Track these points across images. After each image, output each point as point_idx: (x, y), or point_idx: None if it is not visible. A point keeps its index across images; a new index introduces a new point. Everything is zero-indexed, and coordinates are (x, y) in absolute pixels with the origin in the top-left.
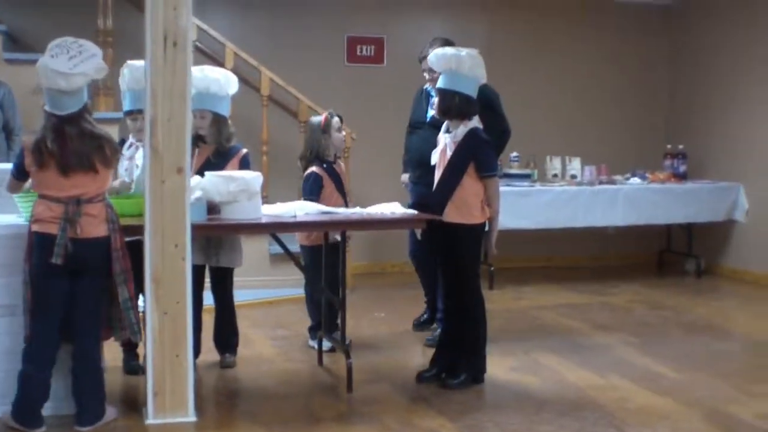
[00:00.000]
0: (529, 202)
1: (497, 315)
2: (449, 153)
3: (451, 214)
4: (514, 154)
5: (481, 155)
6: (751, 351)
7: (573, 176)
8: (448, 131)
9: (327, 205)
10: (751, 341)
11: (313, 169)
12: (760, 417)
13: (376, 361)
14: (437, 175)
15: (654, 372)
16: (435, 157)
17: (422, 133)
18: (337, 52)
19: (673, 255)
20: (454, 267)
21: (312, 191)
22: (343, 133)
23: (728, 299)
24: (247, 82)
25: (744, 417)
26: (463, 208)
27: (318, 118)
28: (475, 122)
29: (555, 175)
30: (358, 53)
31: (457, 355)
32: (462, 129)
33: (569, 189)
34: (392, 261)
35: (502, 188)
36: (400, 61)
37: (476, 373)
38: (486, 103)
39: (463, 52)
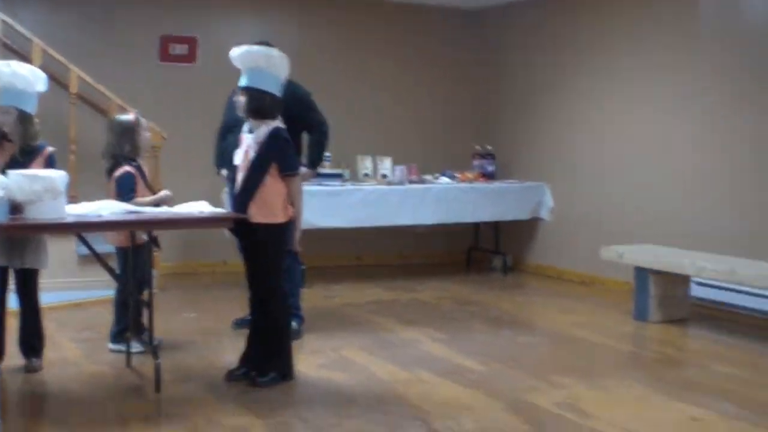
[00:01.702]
0: (340, 202)
1: (307, 313)
2: (252, 154)
3: (255, 214)
4: (326, 153)
5: (283, 155)
6: (552, 343)
7: (384, 176)
8: (250, 131)
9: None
10: (553, 334)
11: (127, 168)
12: (558, 404)
13: (185, 361)
14: (239, 176)
15: (460, 365)
16: (237, 158)
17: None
18: (149, 50)
19: (481, 252)
20: (258, 266)
21: (130, 190)
22: (149, 133)
23: (533, 294)
24: (55, 79)
25: (544, 405)
26: (265, 208)
27: (128, 117)
28: (278, 122)
29: (366, 175)
30: (171, 52)
31: (266, 353)
32: (264, 129)
33: (379, 188)
34: (203, 261)
35: (313, 188)
36: (212, 61)
37: (285, 370)
38: (301, 101)
39: (271, 50)
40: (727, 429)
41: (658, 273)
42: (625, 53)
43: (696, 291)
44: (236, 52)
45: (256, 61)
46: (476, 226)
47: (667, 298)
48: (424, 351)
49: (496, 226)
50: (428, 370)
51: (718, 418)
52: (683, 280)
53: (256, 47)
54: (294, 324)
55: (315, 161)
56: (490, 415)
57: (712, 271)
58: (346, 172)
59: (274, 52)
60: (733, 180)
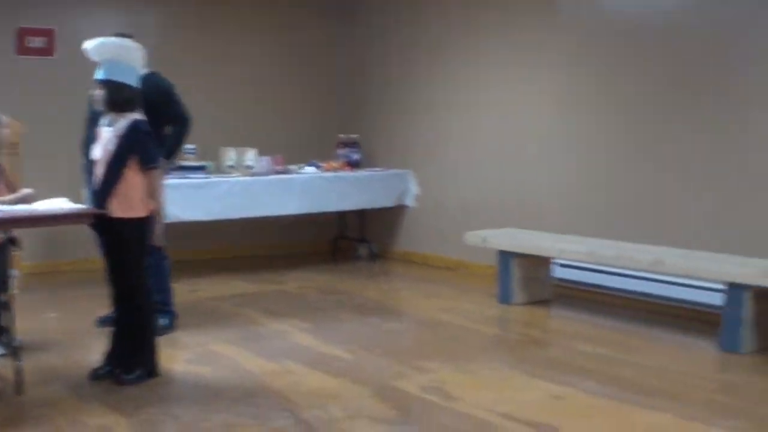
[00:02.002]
0: (204, 194)
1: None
2: (111, 147)
3: (115, 209)
4: (190, 146)
5: (144, 147)
6: (419, 329)
7: (249, 167)
8: (109, 125)
9: None
10: (418, 319)
11: None
12: (424, 389)
13: (48, 362)
14: (98, 170)
15: (327, 354)
16: (96, 152)
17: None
18: (5, 43)
19: (347, 241)
20: (121, 262)
21: None
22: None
23: (399, 281)
24: None
25: (410, 390)
26: (125, 203)
27: None
28: (138, 114)
29: (231, 166)
30: (28, 45)
31: (131, 351)
32: (124, 122)
33: (244, 180)
34: (65, 259)
35: (176, 180)
36: (71, 54)
37: (151, 367)
38: (163, 93)
39: (125, 41)
40: (589, 406)
41: (520, 256)
42: (491, 42)
43: (559, 272)
44: (90, 45)
45: (111, 52)
46: (342, 215)
47: (530, 281)
48: (291, 342)
49: (361, 215)
50: (295, 361)
51: (581, 396)
52: (545, 262)
53: (110, 39)
54: (165, 320)
55: (171, 153)
56: (358, 402)
57: (573, 253)
58: (211, 165)
59: (129, 43)
60: (591, 164)
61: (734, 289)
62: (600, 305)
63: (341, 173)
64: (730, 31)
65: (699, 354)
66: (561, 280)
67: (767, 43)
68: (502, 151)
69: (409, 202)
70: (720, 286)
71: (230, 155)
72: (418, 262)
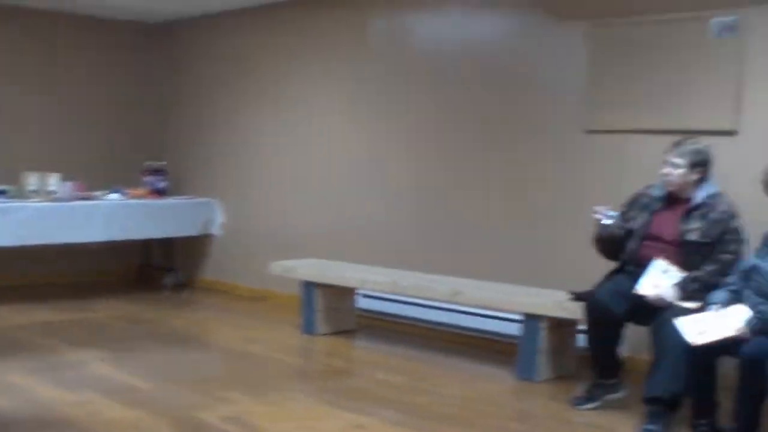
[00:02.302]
0: (5, 219)
1: None
2: None
3: None
4: None
5: None
6: (223, 359)
7: (51, 192)
8: None
9: None
10: (222, 349)
11: None
12: (224, 419)
13: None
14: None
15: (127, 385)
16: None
17: None
18: None
19: (153, 269)
20: None
21: None
22: None
23: (205, 310)
24: None
25: (211, 420)
26: None
27: None
28: None
29: (33, 191)
30: None
31: None
32: None
33: (45, 205)
34: None
35: None
36: None
37: None
38: None
39: None
40: None
41: (324, 286)
42: (297, 72)
43: (362, 303)
44: None
45: None
46: (147, 243)
47: (334, 311)
48: (91, 372)
49: (167, 243)
50: (95, 391)
51: (381, 425)
52: (348, 292)
53: None
54: None
55: None
56: None
57: (375, 283)
58: (11, 189)
59: None
60: (396, 197)
61: (530, 319)
62: (402, 335)
63: (146, 201)
64: (531, 63)
65: (496, 382)
66: (364, 310)
67: (562, 78)
68: (309, 182)
69: (216, 231)
70: (516, 317)
71: (32, 180)
72: (225, 292)
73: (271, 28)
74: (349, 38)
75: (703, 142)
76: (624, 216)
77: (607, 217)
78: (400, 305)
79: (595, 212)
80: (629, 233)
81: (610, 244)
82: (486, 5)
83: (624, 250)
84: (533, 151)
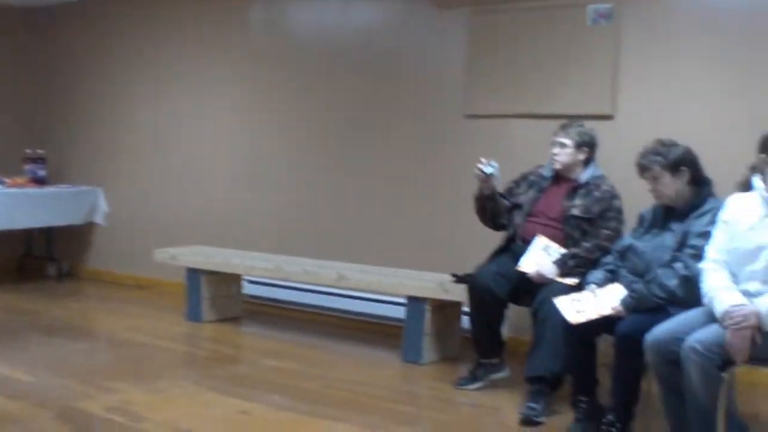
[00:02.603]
0: None
1: None
2: None
3: None
4: None
5: None
6: (107, 348)
7: None
8: None
9: None
10: (108, 339)
11: None
12: (109, 409)
13: None
14: None
15: (8, 377)
16: None
17: None
18: None
19: (35, 259)
20: None
21: None
22: None
23: (89, 300)
24: None
25: (95, 411)
26: None
27: None
28: None
29: None
30: None
31: None
32: None
33: None
34: None
35: None
36: None
37: None
38: None
39: None
40: (275, 420)
41: (209, 273)
42: (178, 61)
43: (248, 289)
44: None
45: None
46: (28, 233)
47: (220, 298)
48: None
49: (49, 232)
50: None
51: (267, 410)
52: (234, 278)
53: None
54: None
55: None
56: (38, 425)
57: (261, 269)
58: None
59: None
60: (280, 183)
61: (414, 302)
62: (289, 321)
63: (27, 189)
64: (413, 49)
65: (383, 366)
66: (251, 296)
67: (443, 64)
68: (193, 169)
69: (99, 219)
70: (401, 300)
71: None
72: (110, 281)
73: (150, 15)
74: (229, 26)
75: (598, 129)
76: (512, 191)
77: (489, 166)
78: (287, 291)
79: (478, 166)
80: (515, 207)
81: (490, 201)
82: None
83: (500, 217)
84: (414, 136)
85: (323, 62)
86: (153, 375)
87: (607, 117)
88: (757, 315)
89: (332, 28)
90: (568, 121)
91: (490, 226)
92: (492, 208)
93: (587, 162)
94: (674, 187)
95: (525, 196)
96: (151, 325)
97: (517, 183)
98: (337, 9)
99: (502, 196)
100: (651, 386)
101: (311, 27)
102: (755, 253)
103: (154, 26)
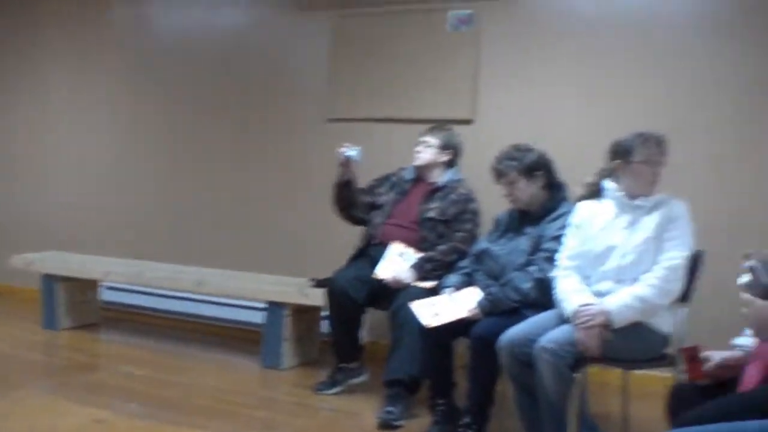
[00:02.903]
0: None
1: None
2: None
3: None
4: None
5: None
6: None
7: None
8: None
9: None
10: None
11: None
12: None
13: None
14: None
15: None
16: None
17: None
18: None
19: None
20: None
21: None
22: None
23: None
24: None
25: None
26: None
27: None
28: None
29: None
30: None
31: None
32: None
33: None
34: None
35: None
36: None
37: None
38: None
39: None
40: (131, 428)
41: (66, 279)
42: (39, 62)
43: (107, 295)
44: None
45: None
46: None
47: (77, 304)
48: None
49: None
50: None
51: (124, 419)
52: (91, 285)
53: None
54: None
55: None
56: None
57: (118, 275)
58: None
59: None
60: (140, 187)
61: (273, 307)
62: (148, 327)
63: None
64: (277, 52)
65: (243, 371)
66: (109, 303)
67: (307, 68)
68: (51, 173)
69: None
70: (261, 305)
71: None
72: None
73: (5, 15)
74: (91, 27)
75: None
76: (373, 189)
77: (351, 150)
78: (146, 297)
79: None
80: (375, 207)
81: (348, 190)
82: None
83: (355, 208)
84: (277, 140)
85: (186, 64)
86: (7, 385)
87: (467, 121)
88: (605, 313)
89: (196, 30)
90: (438, 124)
91: (344, 217)
92: (348, 197)
93: (449, 165)
94: (529, 191)
95: (386, 197)
96: (4, 333)
97: (379, 182)
98: (200, 10)
99: (362, 190)
100: (506, 388)
101: (175, 29)
102: (606, 253)
103: (6, 26)
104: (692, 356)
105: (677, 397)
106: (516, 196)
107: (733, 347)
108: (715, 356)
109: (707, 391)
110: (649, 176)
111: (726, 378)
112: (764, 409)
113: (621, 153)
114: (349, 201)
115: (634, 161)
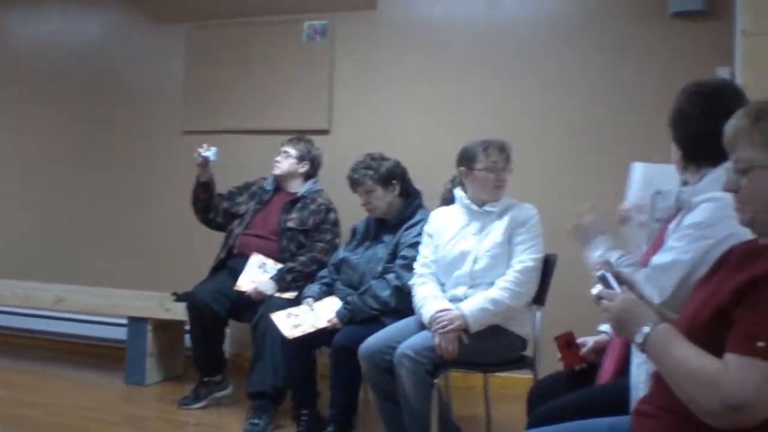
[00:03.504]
0: None
1: None
2: None
3: None
4: None
5: None
6: None
7: None
8: None
9: None
10: None
11: None
12: None
13: None
14: None
15: None
16: None
17: None
18: None
19: None
20: None
21: None
22: None
23: None
24: None
25: None
26: None
27: None
28: None
29: None
30: None
31: None
32: None
33: None
34: None
35: None
36: None
37: None
38: None
39: None
40: None
41: None
42: None
43: None
44: None
45: None
46: None
47: None
48: None
49: None
50: None
51: None
52: None
53: None
54: None
55: None
56: None
57: None
58: None
59: None
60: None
61: (135, 323)
62: (5, 347)
63: None
64: (132, 64)
65: (106, 389)
66: None
67: (163, 79)
68: None
69: None
70: (123, 321)
71: None
72: None
73: None
74: None
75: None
76: (233, 196)
77: (208, 150)
78: (3, 316)
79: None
80: (235, 216)
81: (205, 191)
82: (84, 5)
83: (212, 211)
84: (134, 153)
85: (41, 76)
86: None
87: (324, 132)
88: (463, 317)
89: (49, 41)
90: (298, 135)
91: (201, 219)
92: (206, 198)
93: (308, 176)
94: (386, 200)
95: (245, 207)
96: None
97: (239, 190)
98: (54, 21)
99: (221, 195)
100: (369, 395)
101: (27, 40)
102: (460, 259)
103: None
104: (567, 343)
105: (536, 395)
106: (373, 204)
107: (600, 333)
108: (589, 341)
109: (568, 384)
110: (494, 182)
111: (599, 361)
112: (615, 405)
113: (465, 160)
114: (208, 203)
115: (476, 168)
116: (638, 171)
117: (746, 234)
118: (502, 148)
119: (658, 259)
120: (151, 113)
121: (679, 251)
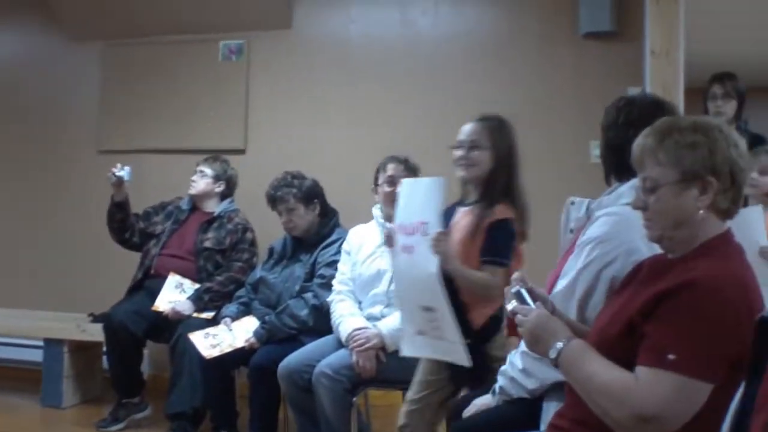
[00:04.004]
0: None
1: None
2: None
3: None
4: None
5: None
6: None
7: None
8: None
9: None
10: None
11: None
12: None
13: None
14: None
15: None
16: None
17: None
18: None
19: None
20: None
21: None
22: None
23: None
24: None
25: None
26: None
27: None
28: None
29: None
30: None
31: None
32: None
33: None
34: None
35: None
36: None
37: None
38: None
39: None
40: None
41: None
42: None
43: None
44: None
45: None
46: None
47: None
48: None
49: None
50: None
51: None
52: None
53: None
54: None
55: None
56: None
57: None
58: None
59: None
60: None
61: (51, 344)
62: None
63: None
64: (46, 83)
65: (22, 412)
66: None
67: (77, 98)
68: None
69: None
70: (39, 342)
71: None
72: None
73: None
74: None
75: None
76: (149, 216)
77: (121, 170)
78: None
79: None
80: (151, 236)
81: (120, 211)
82: None
83: (127, 231)
84: (46, 173)
85: None
86: None
87: (240, 151)
88: (380, 336)
89: None
90: (214, 155)
91: (116, 239)
92: (121, 218)
93: (224, 196)
94: (307, 218)
95: (162, 227)
96: None
97: (155, 209)
98: None
99: (137, 215)
100: (288, 414)
101: None
102: (376, 278)
103: None
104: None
105: (458, 409)
106: (294, 223)
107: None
108: None
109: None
110: (392, 196)
111: None
112: (532, 418)
113: (375, 178)
114: (123, 223)
115: (378, 183)
116: (405, 188)
117: (646, 249)
118: (401, 161)
119: (559, 285)
120: (65, 132)
121: (574, 275)
